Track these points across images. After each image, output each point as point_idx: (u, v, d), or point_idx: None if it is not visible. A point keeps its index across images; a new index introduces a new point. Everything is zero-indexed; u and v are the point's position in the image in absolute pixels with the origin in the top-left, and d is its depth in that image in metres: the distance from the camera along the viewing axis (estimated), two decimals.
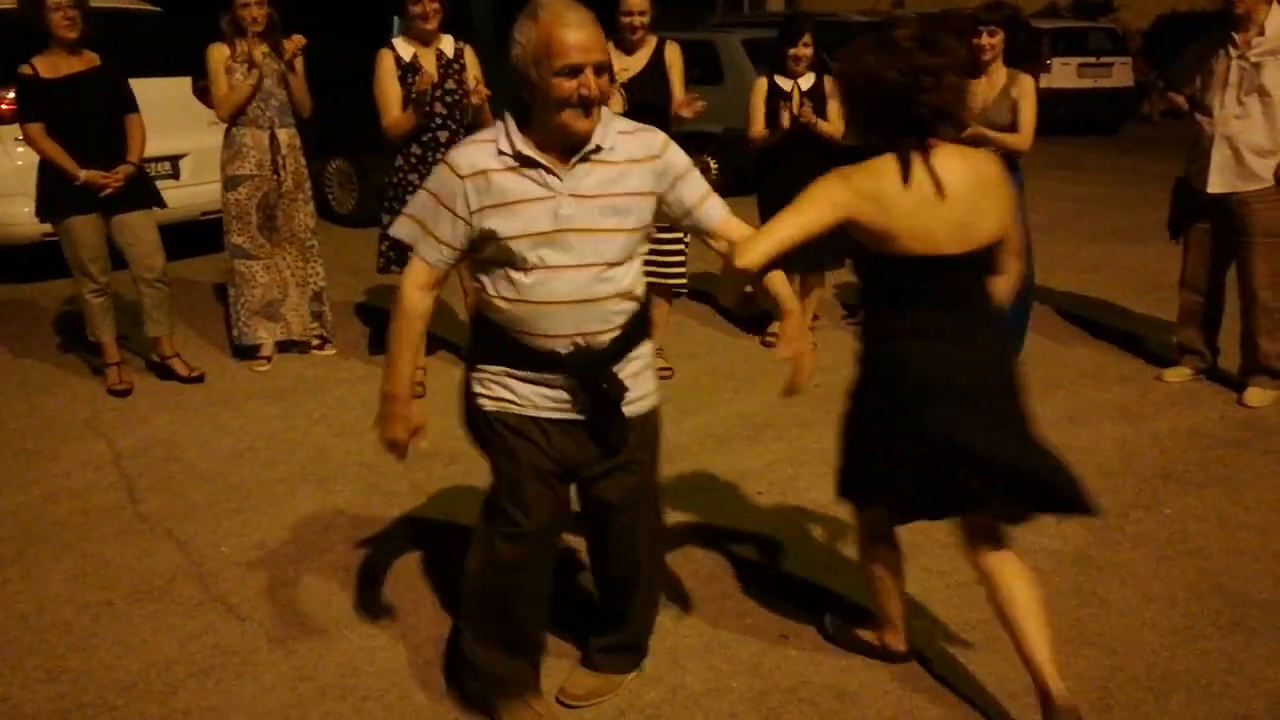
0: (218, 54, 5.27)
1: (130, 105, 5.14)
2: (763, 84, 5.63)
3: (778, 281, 2.56)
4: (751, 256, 2.45)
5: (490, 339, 2.49)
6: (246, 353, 5.67)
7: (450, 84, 4.93)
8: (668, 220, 2.55)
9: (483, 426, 2.55)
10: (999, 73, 5.05)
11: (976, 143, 4.99)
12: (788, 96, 5.51)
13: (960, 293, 2.54)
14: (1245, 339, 4.97)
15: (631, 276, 2.47)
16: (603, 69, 2.27)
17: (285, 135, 5.42)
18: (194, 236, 7.74)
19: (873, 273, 2.59)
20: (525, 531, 2.52)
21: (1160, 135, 15.34)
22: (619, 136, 2.39)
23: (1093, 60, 15.34)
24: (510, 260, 2.36)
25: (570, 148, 2.34)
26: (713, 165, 10.68)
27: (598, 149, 2.35)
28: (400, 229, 2.47)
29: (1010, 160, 5.08)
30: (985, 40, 4.98)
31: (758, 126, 5.60)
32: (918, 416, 2.53)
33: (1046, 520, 3.78)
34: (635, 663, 2.94)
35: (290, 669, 3.04)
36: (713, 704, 2.86)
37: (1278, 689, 2.89)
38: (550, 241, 2.33)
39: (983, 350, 2.57)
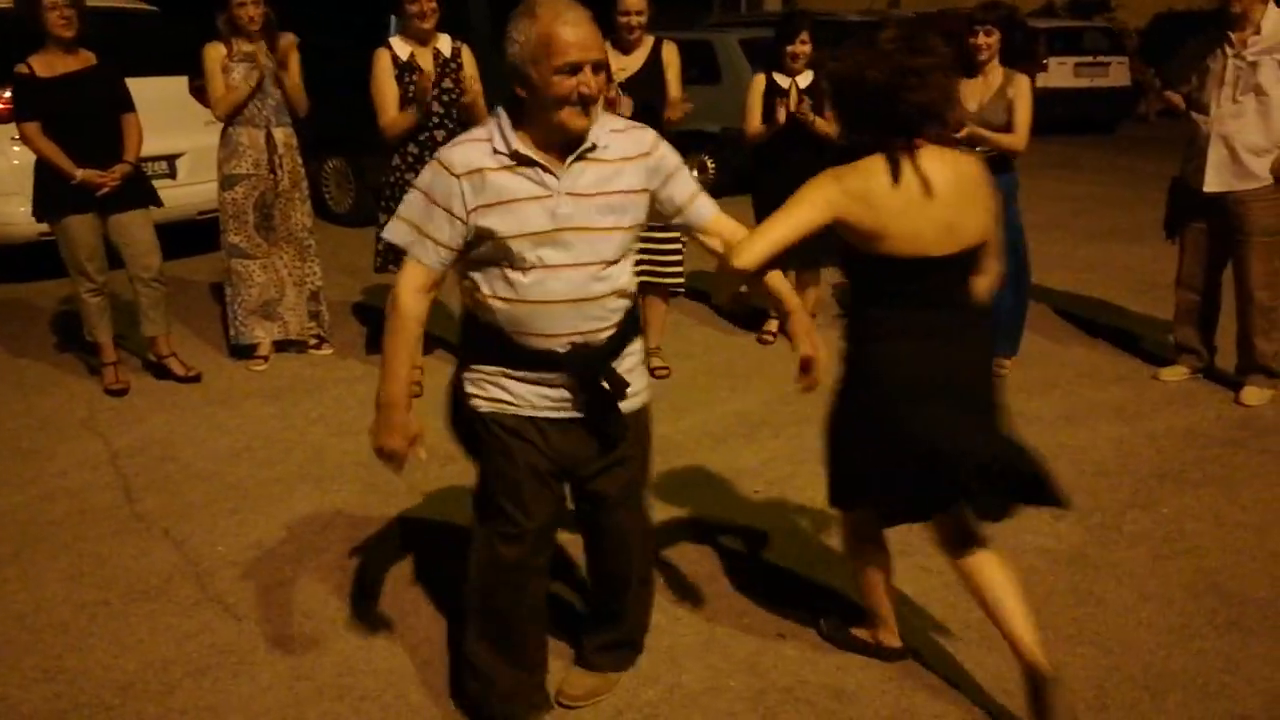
0: (214, 53, 5.26)
1: (127, 104, 5.13)
2: (761, 80, 5.63)
3: (777, 280, 2.59)
4: (748, 257, 2.48)
5: (484, 339, 2.47)
6: (243, 352, 5.67)
7: (447, 83, 4.93)
8: (659, 218, 2.55)
9: (477, 428, 2.53)
10: (995, 72, 5.05)
11: (973, 142, 5.00)
12: (785, 94, 5.51)
13: (946, 293, 2.57)
14: (1241, 338, 4.97)
15: (626, 274, 2.48)
16: (600, 67, 2.28)
17: (282, 134, 5.42)
18: (191, 236, 7.73)
19: (861, 273, 2.62)
20: (525, 531, 2.52)
21: (1157, 135, 15.35)
22: (611, 135, 2.39)
23: (1089, 60, 15.35)
24: (508, 260, 2.35)
25: (567, 146, 2.33)
26: (710, 164, 10.68)
27: (593, 147, 2.35)
28: (394, 232, 2.42)
29: (1005, 160, 5.09)
30: (981, 40, 4.99)
31: (754, 122, 5.60)
32: (905, 416, 2.55)
33: (1042, 519, 3.80)
34: (631, 659, 2.95)
35: (287, 668, 3.04)
36: (710, 703, 2.86)
37: (1274, 688, 2.89)
38: (549, 241, 2.33)
39: (969, 349, 2.61)
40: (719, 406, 5.02)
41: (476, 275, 2.42)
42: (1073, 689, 2.88)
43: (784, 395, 5.08)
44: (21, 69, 4.88)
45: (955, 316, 2.59)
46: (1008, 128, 4.97)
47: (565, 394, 2.46)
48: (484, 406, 2.50)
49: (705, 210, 2.57)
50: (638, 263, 5.07)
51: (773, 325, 5.97)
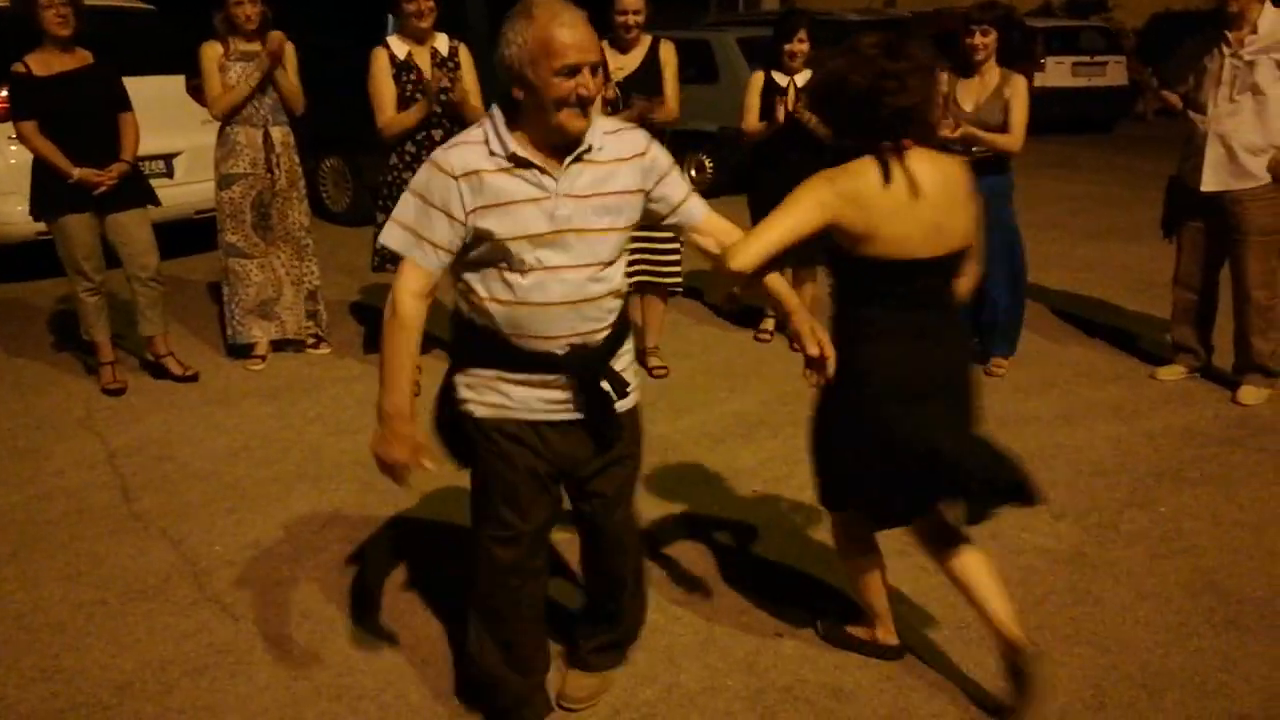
0: (211, 52, 5.26)
1: (124, 103, 5.13)
2: (759, 78, 5.63)
3: (775, 282, 2.60)
4: (744, 260, 2.51)
5: (479, 343, 2.45)
6: (241, 351, 5.66)
7: (445, 82, 4.92)
8: (652, 219, 2.55)
9: (472, 433, 2.50)
10: (992, 73, 5.06)
11: (968, 143, 5.01)
12: (784, 92, 5.51)
13: (933, 294, 2.63)
14: (1238, 337, 4.98)
15: (620, 275, 2.49)
16: (597, 68, 2.28)
17: (279, 133, 5.41)
18: (188, 235, 7.73)
19: (849, 274, 2.65)
20: (521, 533, 2.52)
21: (1154, 134, 15.36)
22: (605, 136, 2.39)
23: (1087, 59, 15.36)
24: (507, 262, 2.34)
25: (563, 148, 2.33)
26: (708, 164, 10.69)
27: (588, 149, 2.35)
28: (391, 237, 2.36)
29: (1001, 161, 5.10)
30: (978, 40, 4.99)
31: (751, 119, 5.60)
32: (898, 417, 2.59)
33: (1040, 519, 3.81)
34: (624, 656, 2.96)
35: (285, 668, 3.04)
36: (708, 702, 2.86)
37: (1272, 686, 2.90)
38: (548, 242, 2.32)
39: (954, 350, 2.69)
40: (717, 406, 5.02)
41: (473, 278, 2.40)
42: (1069, 688, 2.89)
43: (782, 395, 5.09)
44: (18, 68, 4.87)
45: (941, 318, 2.65)
46: (1004, 128, 4.98)
47: (564, 396, 2.45)
48: (481, 411, 2.48)
49: (697, 210, 2.58)
50: (636, 262, 5.17)
51: (769, 324, 5.98)
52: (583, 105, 2.26)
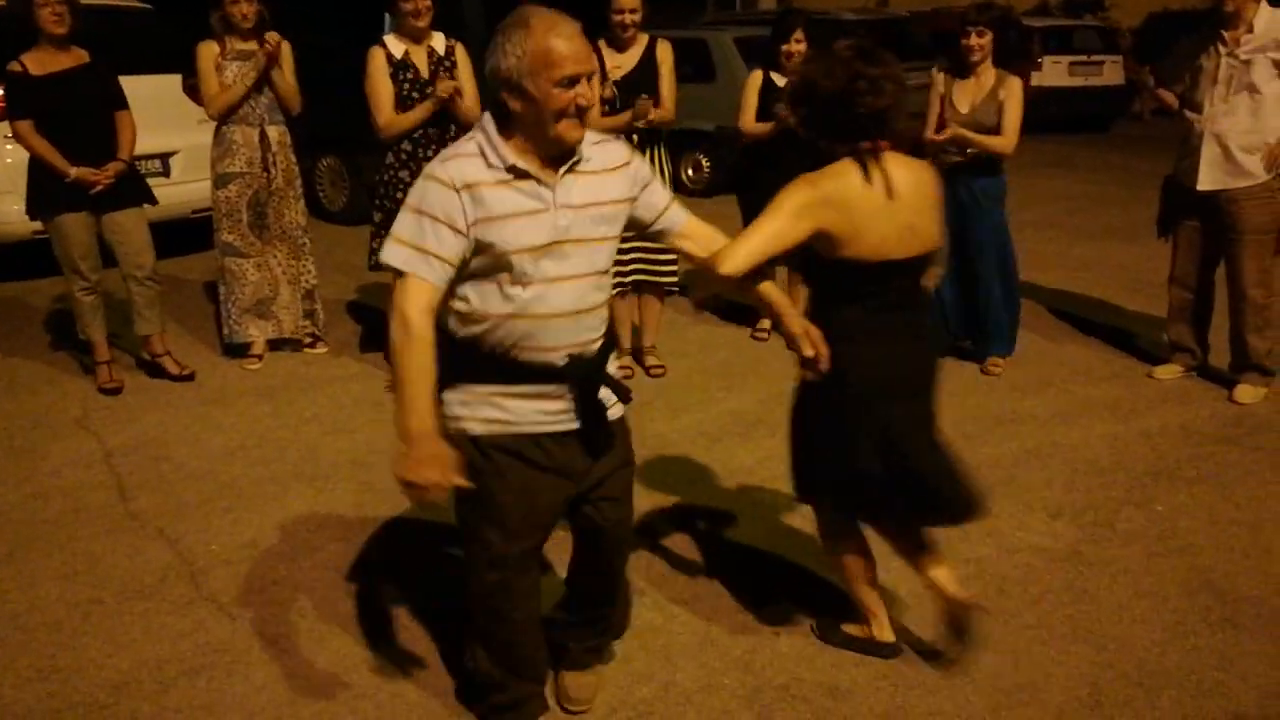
0: (207, 51, 5.25)
1: (120, 102, 5.12)
2: (757, 77, 5.62)
3: (765, 287, 2.67)
4: (732, 265, 2.57)
5: (473, 358, 2.41)
6: (237, 351, 5.66)
7: (454, 91, 4.92)
8: (637, 226, 2.57)
9: (468, 451, 2.43)
10: (988, 74, 5.06)
11: (960, 144, 5.02)
12: (781, 92, 5.50)
13: (905, 294, 2.72)
14: (1234, 336, 4.98)
15: (610, 282, 2.53)
16: (592, 77, 2.31)
17: (275, 132, 5.41)
18: (185, 234, 7.72)
19: (826, 276, 2.71)
20: (506, 555, 2.51)
21: (1151, 133, 15.37)
22: (592, 147, 2.41)
23: (1084, 59, 15.38)
24: (508, 274, 2.32)
25: (558, 159, 2.34)
26: (705, 163, 10.69)
27: (581, 159, 2.36)
28: (393, 256, 2.29)
29: (995, 163, 5.11)
30: (974, 41, 5.00)
31: (748, 118, 5.59)
32: (872, 416, 2.68)
33: (1037, 517, 3.82)
34: (614, 649, 3.00)
35: (282, 667, 3.03)
36: (705, 701, 2.86)
37: (1269, 685, 2.90)
38: (549, 254, 2.32)
39: (924, 350, 2.81)
40: (714, 405, 5.02)
41: (470, 292, 2.36)
42: (1066, 686, 2.90)
43: (779, 394, 5.06)
44: (14, 67, 4.86)
45: (915, 318, 2.76)
46: (999, 129, 4.98)
47: (561, 406, 2.45)
48: (477, 429, 2.43)
49: (680, 216, 2.63)
50: (632, 262, 5.16)
51: (766, 323, 5.98)
52: (581, 115, 2.28)
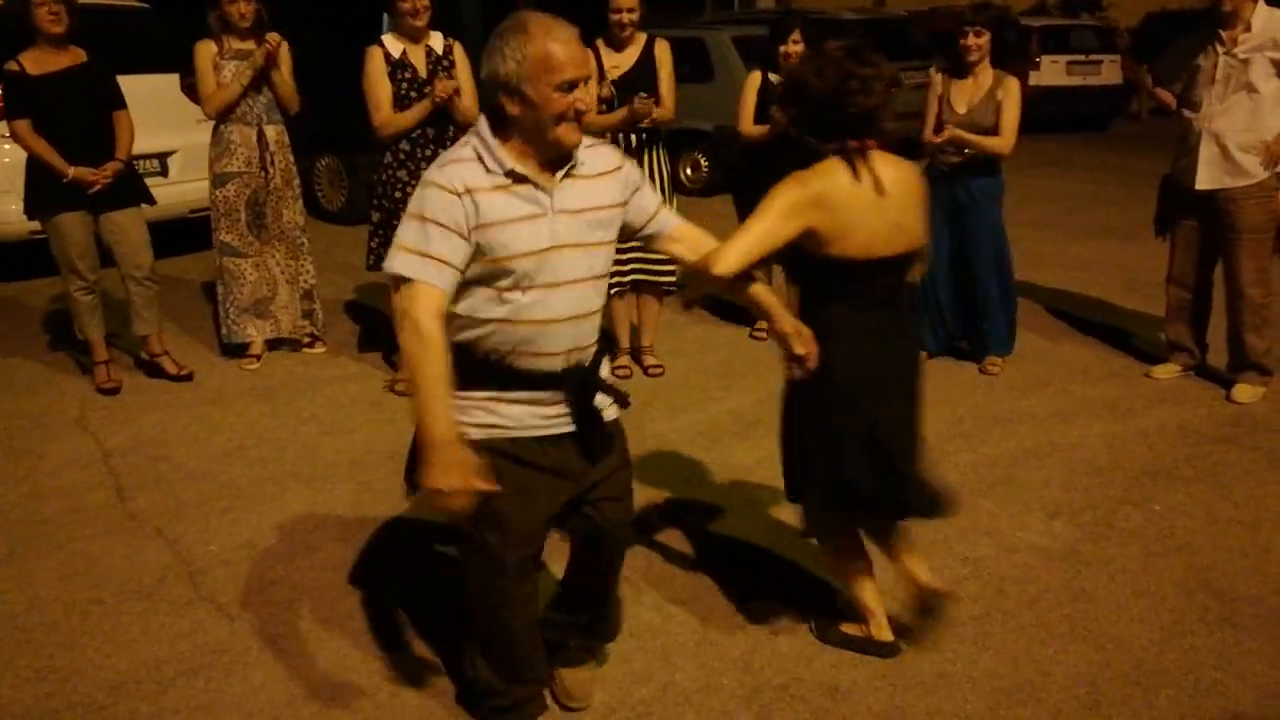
0: (205, 51, 5.25)
1: (118, 102, 5.12)
2: (756, 79, 5.62)
3: (756, 288, 2.70)
4: (725, 265, 2.60)
5: (468, 363, 2.40)
6: (236, 351, 5.66)
7: (455, 91, 4.91)
8: (628, 230, 2.57)
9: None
10: (986, 74, 5.07)
11: (958, 145, 5.02)
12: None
13: (890, 293, 2.75)
14: (1232, 335, 4.99)
15: (607, 286, 2.54)
16: (589, 81, 2.32)
17: (273, 132, 5.40)
18: (183, 234, 7.71)
19: (815, 274, 2.74)
20: (507, 560, 2.51)
21: (1149, 133, 15.38)
22: (585, 151, 2.41)
23: (1081, 58, 15.39)
24: (508, 279, 2.32)
25: (555, 163, 2.34)
26: (703, 163, 10.69)
27: (576, 163, 2.37)
28: (401, 264, 2.27)
29: (992, 163, 5.11)
30: (971, 41, 5.00)
31: (746, 121, 5.59)
32: (857, 413, 2.71)
33: (1035, 516, 3.82)
34: (605, 648, 3.01)
35: (280, 668, 3.03)
36: (704, 701, 2.86)
37: (1266, 684, 2.90)
38: (548, 259, 2.33)
39: (910, 348, 2.86)
40: (713, 405, 5.02)
41: (468, 298, 2.36)
42: (1064, 685, 2.90)
43: (778, 394, 5.03)
44: (11, 66, 4.86)
45: (899, 317, 2.79)
46: (996, 130, 4.98)
47: (557, 410, 2.46)
48: (475, 434, 2.42)
49: (671, 219, 2.65)
50: (631, 261, 5.16)
51: (765, 323, 5.97)
52: (579, 119, 2.29)
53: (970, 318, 5.36)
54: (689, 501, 4.01)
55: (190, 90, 6.17)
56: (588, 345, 2.47)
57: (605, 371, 2.59)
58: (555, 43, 2.23)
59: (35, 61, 4.88)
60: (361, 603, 3.36)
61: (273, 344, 5.70)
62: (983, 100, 5.02)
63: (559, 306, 2.36)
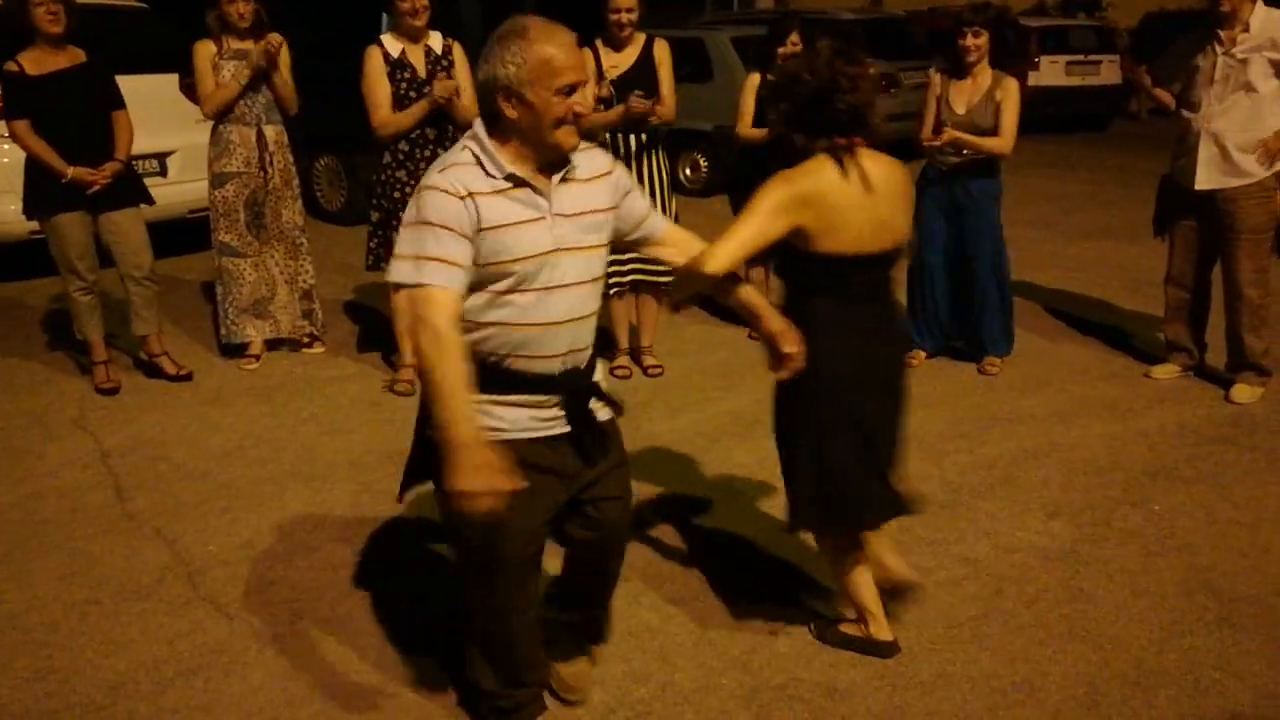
0: (204, 51, 5.25)
1: (117, 102, 5.12)
2: (755, 80, 5.62)
3: (744, 290, 2.73)
4: (716, 264, 2.64)
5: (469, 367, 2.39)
6: (235, 351, 5.65)
7: (454, 92, 4.91)
8: (618, 235, 2.57)
9: None
10: (984, 74, 5.06)
11: (956, 146, 5.01)
12: None
13: (877, 289, 2.79)
14: (1231, 335, 4.99)
15: (602, 289, 2.55)
16: (586, 84, 2.33)
17: (272, 132, 5.40)
18: (182, 234, 7.71)
19: (801, 270, 2.77)
20: (506, 562, 2.50)
21: (1148, 133, 15.37)
22: (579, 155, 2.42)
23: (1080, 58, 15.38)
24: (508, 282, 2.32)
25: (552, 166, 2.35)
26: (703, 163, 10.68)
27: (573, 167, 2.38)
28: (410, 271, 2.25)
29: (991, 164, 5.11)
30: (970, 42, 4.99)
31: (745, 123, 5.59)
32: (843, 409, 2.74)
33: (1034, 516, 3.82)
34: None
35: (279, 668, 3.03)
36: (703, 701, 2.86)
37: (1265, 684, 2.90)
38: (548, 262, 2.34)
39: (894, 347, 2.90)
40: (712, 405, 5.02)
41: (468, 301, 2.34)
42: (1063, 685, 2.90)
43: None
44: (10, 66, 4.85)
45: (885, 313, 2.83)
46: (995, 130, 4.98)
47: (554, 413, 2.46)
48: None
49: (660, 223, 2.68)
50: (630, 261, 5.16)
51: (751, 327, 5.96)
52: (577, 122, 2.30)
53: (966, 317, 5.36)
54: (688, 501, 4.00)
55: (189, 90, 6.17)
56: (584, 347, 2.49)
57: (601, 374, 2.59)
58: (555, 47, 2.24)
59: (34, 61, 4.87)
60: (361, 603, 3.36)
61: (272, 344, 5.70)
62: (981, 101, 5.01)
63: (557, 309, 2.37)
